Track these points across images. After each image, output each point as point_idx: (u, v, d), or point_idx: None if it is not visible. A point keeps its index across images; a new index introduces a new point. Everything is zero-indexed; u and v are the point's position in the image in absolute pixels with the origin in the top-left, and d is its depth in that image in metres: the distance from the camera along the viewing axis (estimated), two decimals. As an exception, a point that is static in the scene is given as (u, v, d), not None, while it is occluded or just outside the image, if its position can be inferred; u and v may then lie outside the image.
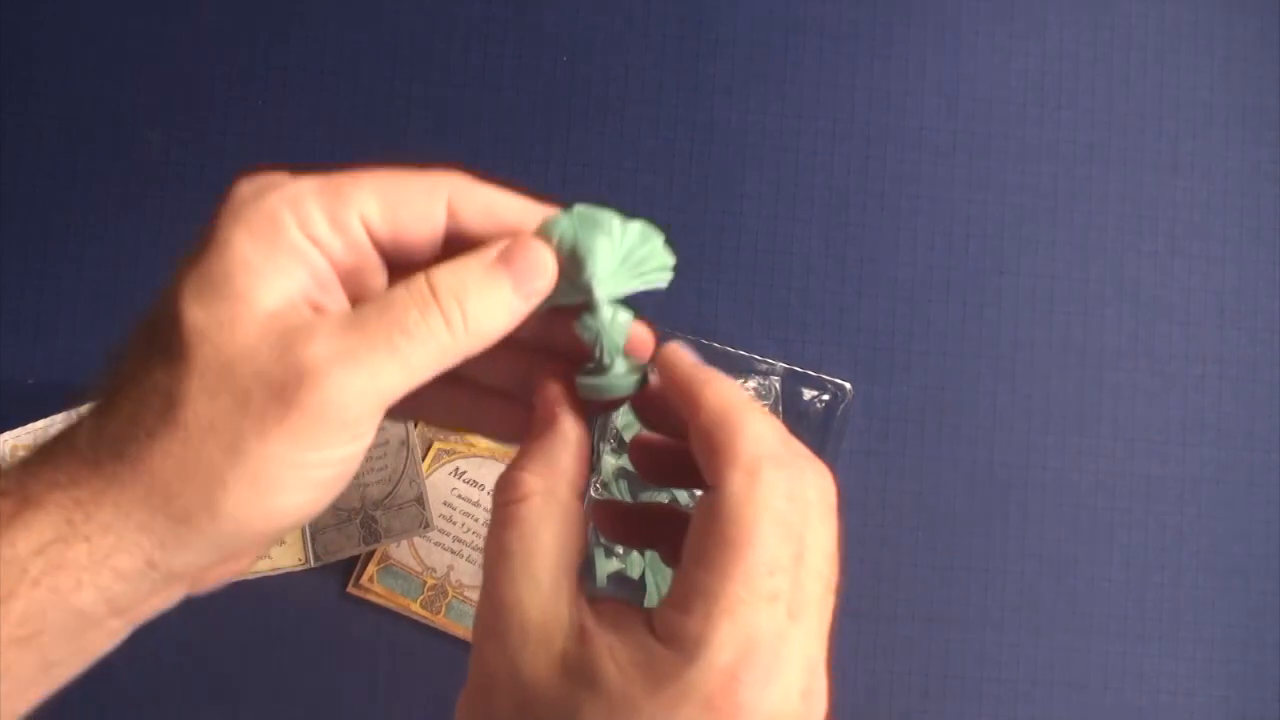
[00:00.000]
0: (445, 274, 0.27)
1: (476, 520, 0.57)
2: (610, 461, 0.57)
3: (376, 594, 0.56)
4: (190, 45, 0.60)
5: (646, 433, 0.31)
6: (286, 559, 0.56)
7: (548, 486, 0.27)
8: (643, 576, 0.57)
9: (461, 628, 0.56)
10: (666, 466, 0.31)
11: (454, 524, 0.57)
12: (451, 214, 0.28)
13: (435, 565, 0.57)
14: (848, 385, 0.57)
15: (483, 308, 0.27)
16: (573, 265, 0.28)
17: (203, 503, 0.25)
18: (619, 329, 0.29)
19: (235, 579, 0.29)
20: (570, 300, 0.29)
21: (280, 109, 0.60)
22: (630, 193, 0.59)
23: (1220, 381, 0.59)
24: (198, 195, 0.59)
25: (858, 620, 0.57)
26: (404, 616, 0.56)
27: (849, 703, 0.55)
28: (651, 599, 0.56)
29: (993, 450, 0.58)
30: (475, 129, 0.59)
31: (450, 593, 0.56)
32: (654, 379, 0.30)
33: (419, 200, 0.27)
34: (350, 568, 0.56)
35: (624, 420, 0.57)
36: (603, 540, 0.56)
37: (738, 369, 0.58)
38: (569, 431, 0.28)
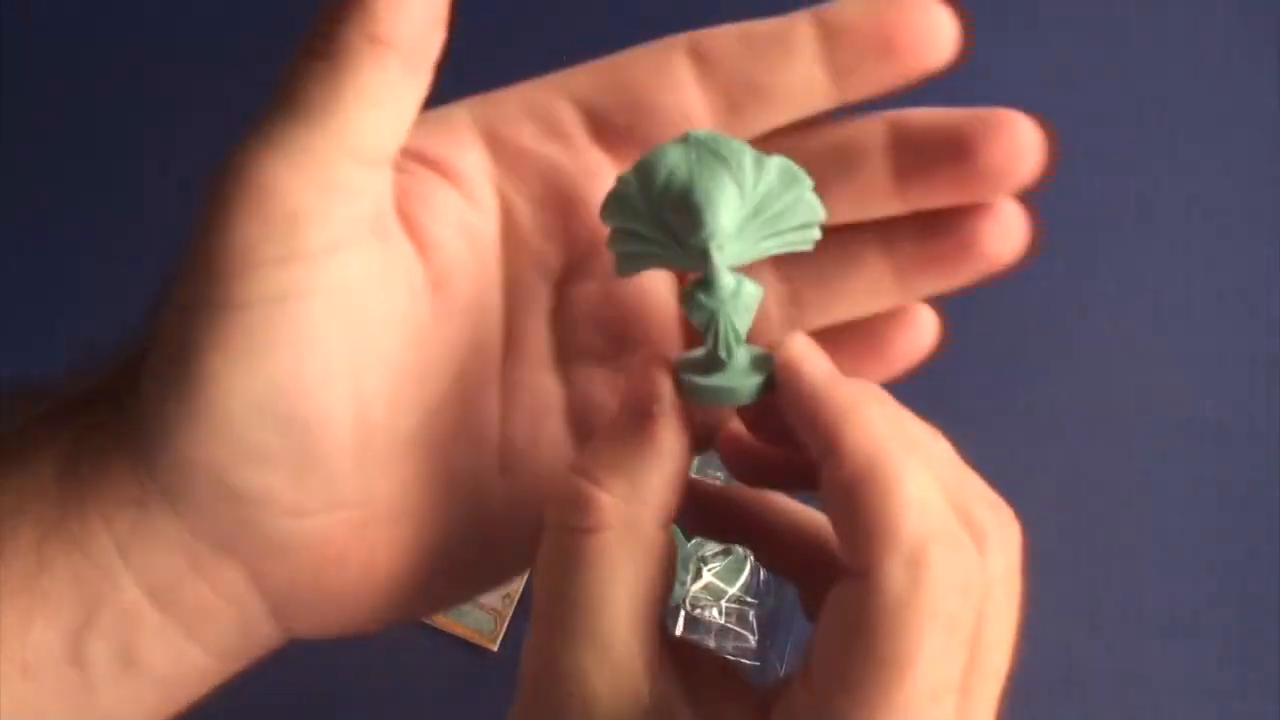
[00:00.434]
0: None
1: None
2: None
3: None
4: (191, 45, 0.61)
5: (740, 428, 0.24)
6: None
7: (630, 516, 0.20)
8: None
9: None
10: (769, 469, 0.25)
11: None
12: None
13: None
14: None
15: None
16: (684, 217, 0.21)
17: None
18: (744, 307, 0.21)
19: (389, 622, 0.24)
20: (678, 265, 0.22)
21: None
22: (630, 192, 0.59)
23: (1220, 381, 0.59)
24: (201, 195, 0.59)
25: (857, 620, 0.56)
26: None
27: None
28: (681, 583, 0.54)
29: (991, 450, 0.58)
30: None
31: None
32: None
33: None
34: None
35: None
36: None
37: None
38: (667, 441, 0.21)
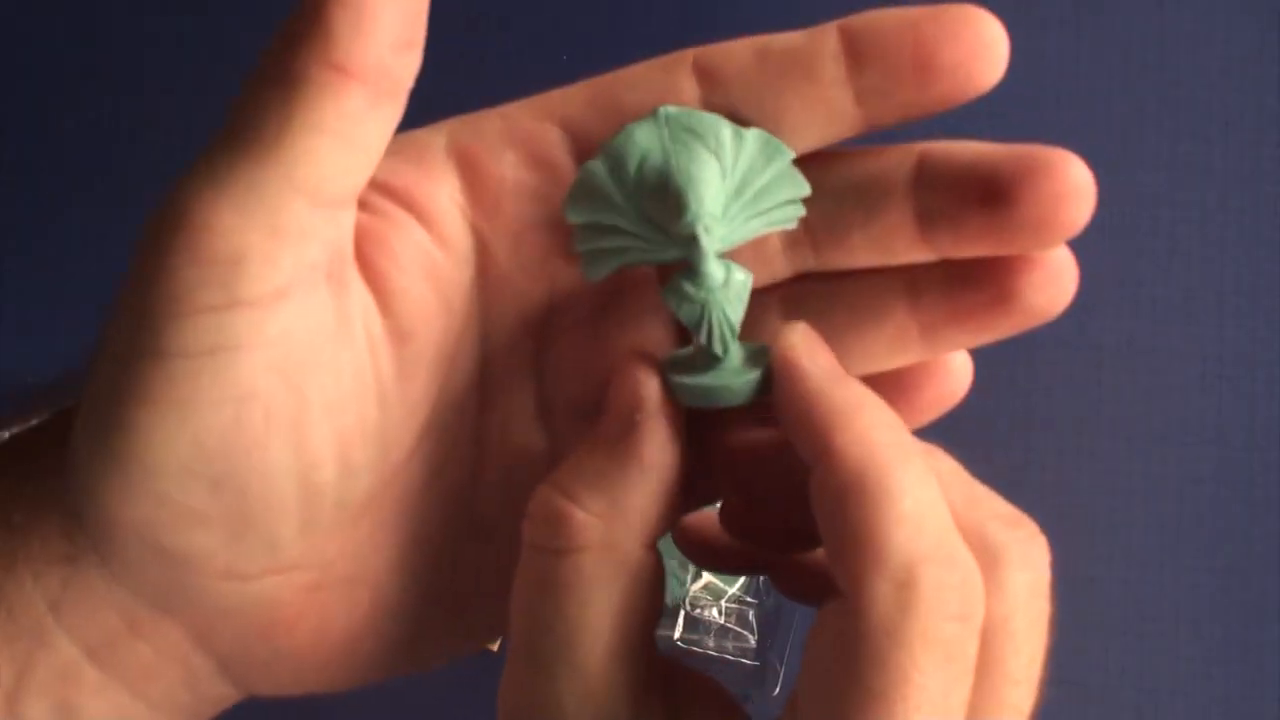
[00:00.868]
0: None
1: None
2: None
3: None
4: (191, 44, 0.61)
5: (697, 521, 0.22)
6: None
7: (609, 537, 0.18)
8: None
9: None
10: (727, 557, 0.22)
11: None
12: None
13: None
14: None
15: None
16: (664, 202, 0.19)
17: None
18: (735, 296, 0.19)
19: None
20: (655, 257, 0.20)
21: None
22: (630, 192, 0.59)
23: (1220, 381, 0.59)
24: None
25: (857, 620, 0.56)
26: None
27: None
28: (673, 590, 0.53)
29: (991, 450, 0.58)
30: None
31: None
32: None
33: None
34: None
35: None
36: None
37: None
38: (652, 453, 0.19)
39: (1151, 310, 0.59)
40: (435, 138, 0.22)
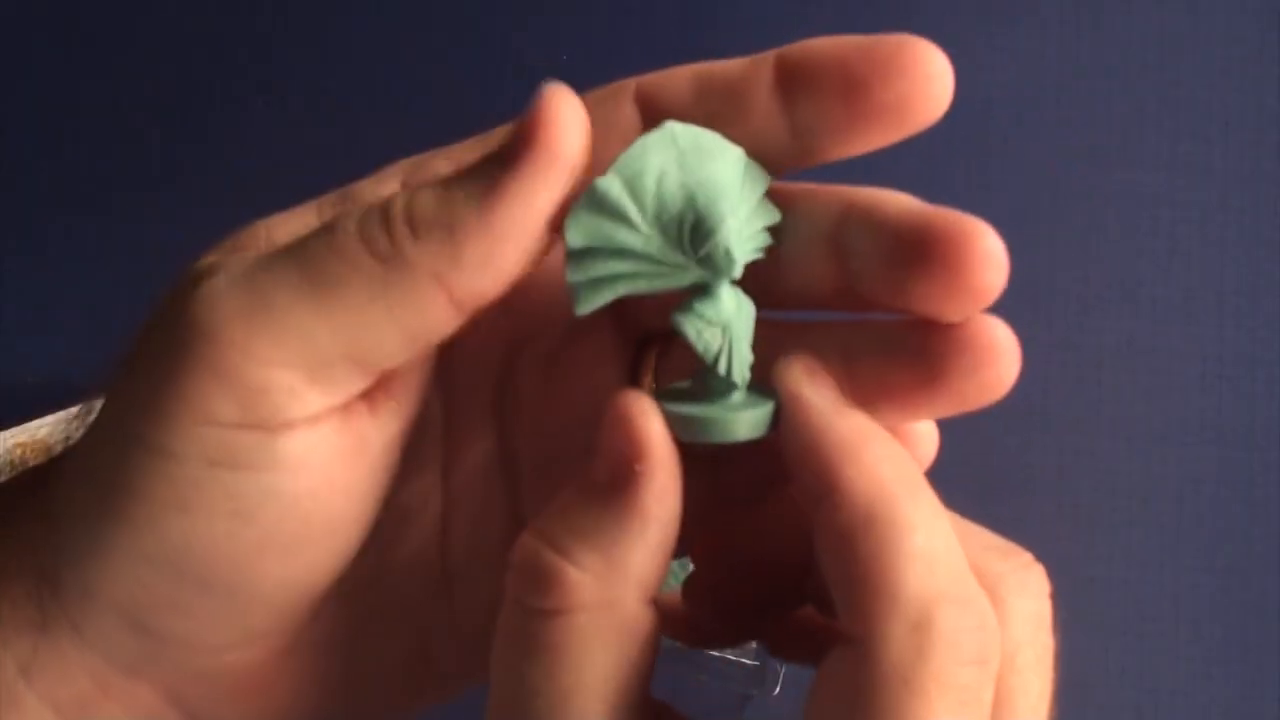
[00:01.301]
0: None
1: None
2: None
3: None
4: (191, 44, 0.61)
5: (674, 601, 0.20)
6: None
7: (606, 595, 0.17)
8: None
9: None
10: (740, 602, 0.20)
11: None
12: None
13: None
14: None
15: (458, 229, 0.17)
16: (690, 224, 0.18)
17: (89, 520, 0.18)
18: (747, 325, 0.18)
19: None
20: (662, 283, 0.18)
21: (279, 108, 0.60)
22: (630, 192, 0.59)
23: (1220, 381, 0.59)
24: (200, 194, 0.59)
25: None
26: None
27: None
28: (673, 589, 0.53)
29: (991, 450, 0.58)
30: (473, 128, 0.59)
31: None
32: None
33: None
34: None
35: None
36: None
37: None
38: (653, 506, 0.17)
39: (1151, 310, 0.59)
40: (388, 189, 0.20)
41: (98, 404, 0.19)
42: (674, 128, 0.18)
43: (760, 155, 0.19)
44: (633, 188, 0.18)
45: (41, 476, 0.20)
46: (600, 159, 0.18)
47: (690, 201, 0.18)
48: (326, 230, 0.18)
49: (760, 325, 0.19)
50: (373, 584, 0.21)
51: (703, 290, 0.18)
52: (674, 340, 0.21)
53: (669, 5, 0.61)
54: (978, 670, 0.16)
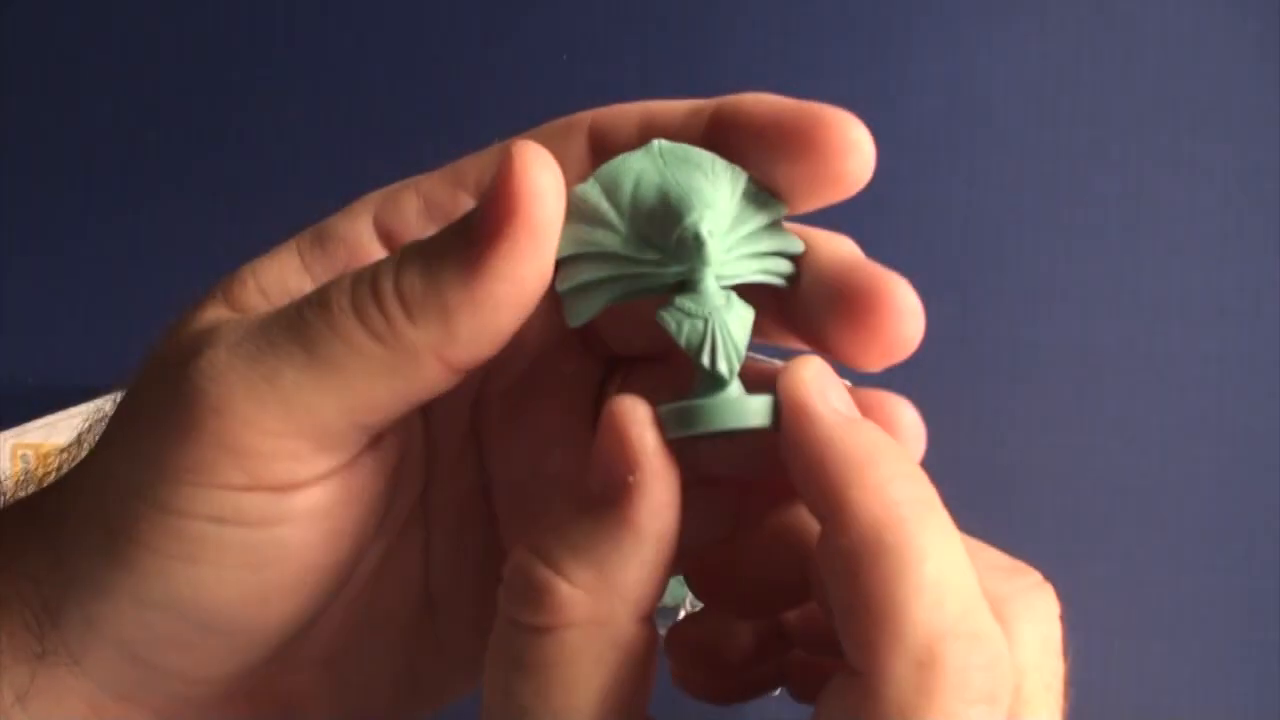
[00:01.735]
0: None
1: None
2: None
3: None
4: (191, 44, 0.60)
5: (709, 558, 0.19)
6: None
7: (599, 612, 0.16)
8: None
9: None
10: (755, 587, 0.19)
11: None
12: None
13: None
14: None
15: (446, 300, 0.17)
16: (662, 216, 0.18)
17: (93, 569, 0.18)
18: (739, 321, 0.18)
19: None
20: (649, 284, 0.18)
21: (279, 108, 0.60)
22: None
23: (1220, 381, 0.59)
24: (198, 194, 0.59)
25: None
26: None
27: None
28: (673, 589, 0.53)
29: (991, 450, 0.58)
30: (473, 128, 0.59)
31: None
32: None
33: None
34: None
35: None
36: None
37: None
38: (650, 520, 0.16)
39: (1151, 310, 0.59)
40: (362, 227, 0.21)
41: (89, 439, 0.20)
42: (660, 143, 0.19)
43: None
44: (610, 191, 0.18)
45: (37, 507, 0.20)
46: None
47: (664, 197, 0.18)
48: (321, 305, 0.18)
49: None
50: (360, 606, 0.21)
51: (686, 287, 0.18)
52: (640, 366, 0.21)
53: (669, 5, 0.61)
54: (987, 709, 0.15)
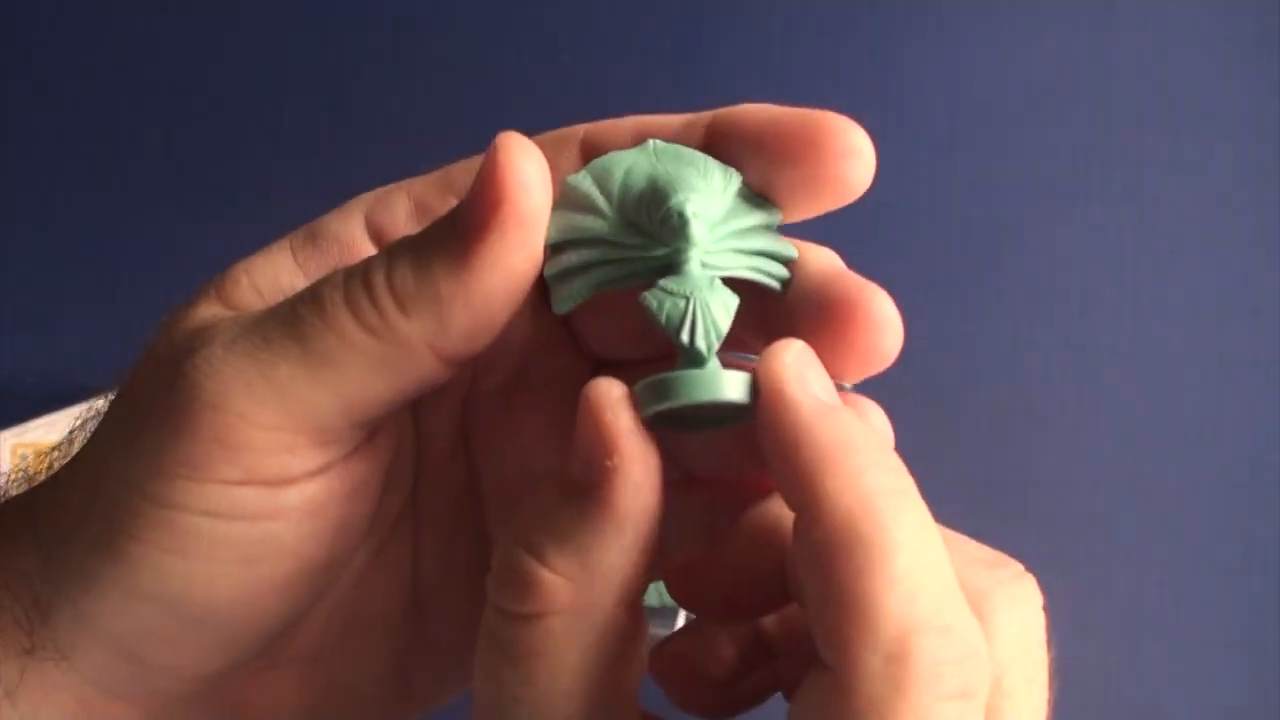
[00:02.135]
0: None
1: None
2: None
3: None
4: (191, 44, 0.60)
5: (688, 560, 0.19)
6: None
7: (582, 598, 0.16)
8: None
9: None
10: (734, 588, 0.19)
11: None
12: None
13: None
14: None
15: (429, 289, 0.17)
16: (649, 200, 0.18)
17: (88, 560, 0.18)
18: (722, 305, 0.18)
19: None
20: (637, 270, 0.18)
21: (278, 107, 0.60)
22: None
23: (1220, 381, 0.59)
24: (198, 195, 0.59)
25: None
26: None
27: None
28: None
29: (991, 450, 0.58)
30: (472, 129, 0.59)
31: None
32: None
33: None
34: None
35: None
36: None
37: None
38: (629, 503, 0.16)
39: (1151, 310, 0.59)
40: (354, 226, 0.21)
41: (80, 437, 0.20)
42: (655, 142, 0.19)
43: None
44: (601, 180, 0.19)
45: (29, 503, 0.20)
46: None
47: (652, 183, 0.18)
48: (315, 300, 0.18)
49: None
50: (348, 605, 0.22)
51: (671, 270, 0.18)
52: (626, 370, 0.21)
53: (669, 6, 0.61)
54: (961, 704, 0.15)
